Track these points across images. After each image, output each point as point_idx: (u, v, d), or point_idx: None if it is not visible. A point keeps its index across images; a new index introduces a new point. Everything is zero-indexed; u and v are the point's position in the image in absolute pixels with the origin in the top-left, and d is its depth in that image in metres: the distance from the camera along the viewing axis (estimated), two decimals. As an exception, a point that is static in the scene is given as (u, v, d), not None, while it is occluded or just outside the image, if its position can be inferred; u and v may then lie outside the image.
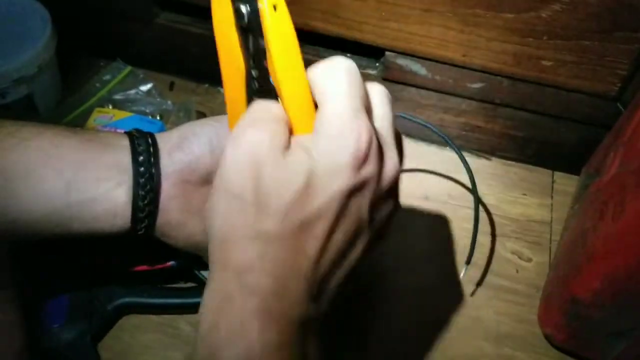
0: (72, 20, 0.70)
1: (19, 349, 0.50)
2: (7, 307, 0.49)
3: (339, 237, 0.37)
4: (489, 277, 0.62)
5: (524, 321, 0.59)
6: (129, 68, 0.75)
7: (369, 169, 0.36)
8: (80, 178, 0.44)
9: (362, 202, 0.37)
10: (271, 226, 0.35)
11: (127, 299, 0.57)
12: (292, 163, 0.36)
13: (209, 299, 0.37)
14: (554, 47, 0.59)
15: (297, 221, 0.35)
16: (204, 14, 0.71)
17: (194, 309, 0.58)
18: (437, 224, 0.66)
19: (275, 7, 0.39)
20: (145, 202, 0.45)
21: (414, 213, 0.67)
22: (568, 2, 0.55)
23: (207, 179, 0.47)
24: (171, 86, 0.76)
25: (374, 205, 0.38)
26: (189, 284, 0.59)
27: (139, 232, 0.47)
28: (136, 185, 0.45)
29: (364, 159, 0.36)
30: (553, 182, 0.70)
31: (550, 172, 0.71)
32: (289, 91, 0.39)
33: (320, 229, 0.36)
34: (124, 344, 0.56)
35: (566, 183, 0.70)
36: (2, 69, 0.62)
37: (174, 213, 0.47)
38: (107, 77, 0.74)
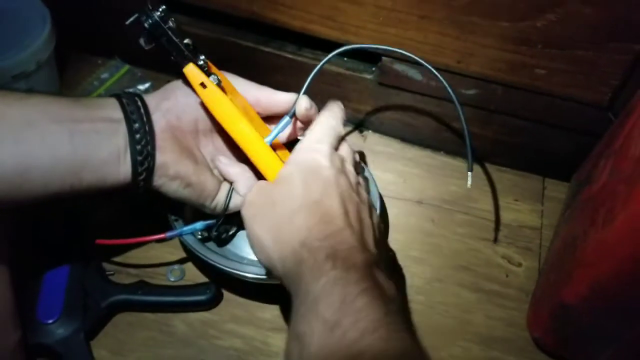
0: (71, 18, 0.70)
1: (12, 345, 0.50)
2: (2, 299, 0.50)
3: (349, 206, 0.47)
4: (479, 281, 0.63)
5: (514, 325, 0.60)
6: (126, 66, 0.75)
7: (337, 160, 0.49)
8: (80, 128, 0.48)
9: (344, 180, 0.49)
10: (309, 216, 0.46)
11: (121, 297, 0.57)
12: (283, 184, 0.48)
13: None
14: (548, 56, 0.60)
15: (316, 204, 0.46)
16: (203, 14, 0.72)
17: (188, 307, 0.58)
18: (430, 228, 0.67)
19: (203, 85, 0.49)
20: (142, 143, 0.50)
21: (408, 216, 0.68)
22: (563, 12, 0.56)
23: (195, 126, 0.54)
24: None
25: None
26: (183, 283, 0.60)
27: (140, 178, 0.50)
28: (131, 131, 0.49)
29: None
30: (544, 188, 0.71)
31: (541, 178, 0.72)
32: (247, 151, 0.50)
33: (333, 195, 0.47)
34: (118, 341, 0.56)
35: (557, 190, 0.71)
36: (1, 65, 0.62)
37: (168, 154, 0.51)
38: (105, 75, 0.74)
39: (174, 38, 0.49)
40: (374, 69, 0.69)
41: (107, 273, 0.59)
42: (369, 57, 0.68)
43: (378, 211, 0.55)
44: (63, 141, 0.47)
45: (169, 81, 0.75)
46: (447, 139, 0.72)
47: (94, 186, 0.49)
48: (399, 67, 0.66)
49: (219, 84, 0.51)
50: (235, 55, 0.72)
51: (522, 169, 0.73)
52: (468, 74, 0.64)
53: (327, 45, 0.67)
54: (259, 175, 0.52)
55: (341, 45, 0.66)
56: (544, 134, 0.68)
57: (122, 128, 0.50)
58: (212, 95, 0.50)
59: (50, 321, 0.54)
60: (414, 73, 0.66)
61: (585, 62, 0.59)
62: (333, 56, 0.56)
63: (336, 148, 0.51)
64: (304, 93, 0.54)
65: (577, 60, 0.59)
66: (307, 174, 0.48)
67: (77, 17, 0.72)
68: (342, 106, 0.54)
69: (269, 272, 0.50)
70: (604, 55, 0.58)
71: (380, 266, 0.45)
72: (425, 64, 0.55)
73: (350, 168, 0.51)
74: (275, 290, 0.57)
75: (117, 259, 0.61)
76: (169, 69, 0.76)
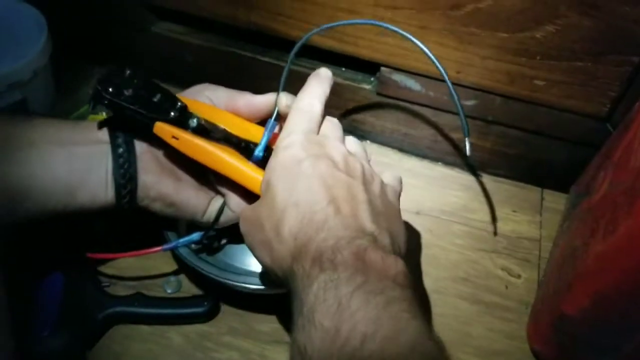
0: (68, 26, 0.70)
1: (5, 357, 0.49)
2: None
3: (335, 190, 0.45)
4: (478, 293, 0.63)
5: (514, 338, 0.60)
6: (123, 76, 0.75)
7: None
8: (77, 151, 0.50)
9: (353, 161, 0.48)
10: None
11: (117, 309, 0.56)
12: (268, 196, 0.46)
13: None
14: (547, 67, 0.60)
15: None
16: (200, 24, 0.72)
17: (185, 319, 0.58)
18: (429, 239, 0.67)
19: (176, 137, 0.50)
20: (125, 167, 0.51)
21: (406, 227, 0.67)
22: (562, 24, 0.56)
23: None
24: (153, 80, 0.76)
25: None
26: (180, 294, 0.59)
27: (124, 200, 0.51)
28: (115, 154, 0.51)
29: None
30: (542, 199, 0.71)
31: (539, 189, 0.72)
32: (237, 181, 0.51)
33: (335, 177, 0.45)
34: (114, 354, 0.55)
35: (555, 201, 0.71)
36: (-3, 73, 0.62)
37: (148, 175, 0.52)
38: (101, 84, 0.73)
39: (133, 107, 0.50)
40: (372, 79, 0.69)
41: (103, 284, 0.58)
42: (367, 67, 0.68)
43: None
44: (61, 163, 0.49)
45: (165, 90, 0.76)
46: (445, 150, 0.72)
47: (86, 207, 0.51)
48: (397, 77, 0.66)
49: (198, 125, 0.52)
50: (233, 65, 0.72)
51: (520, 180, 0.72)
52: (467, 85, 0.64)
53: (325, 55, 0.67)
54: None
55: (340, 55, 0.67)
56: (542, 145, 0.68)
57: (109, 150, 0.51)
58: (186, 144, 0.51)
59: (45, 334, 0.53)
60: (412, 83, 0.66)
61: (584, 73, 0.59)
62: (301, 44, 0.55)
63: (317, 130, 0.50)
64: (282, 89, 0.54)
65: (576, 72, 0.59)
66: (283, 176, 0.46)
67: (73, 25, 0.72)
68: (324, 75, 0.53)
69: (272, 283, 0.50)
70: (602, 66, 0.58)
71: (378, 243, 0.43)
72: (426, 51, 0.53)
73: (333, 144, 0.48)
74: (272, 300, 0.57)
75: (113, 270, 0.60)
76: (163, 77, 0.76)
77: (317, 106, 0.51)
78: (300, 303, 0.40)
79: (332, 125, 0.51)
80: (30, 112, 0.67)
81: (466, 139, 0.53)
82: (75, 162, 0.50)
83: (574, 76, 0.60)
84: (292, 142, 0.47)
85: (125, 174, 0.51)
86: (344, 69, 0.70)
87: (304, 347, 0.38)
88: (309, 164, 0.45)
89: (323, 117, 0.51)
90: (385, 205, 0.47)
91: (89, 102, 0.51)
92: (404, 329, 0.37)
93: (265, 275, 0.56)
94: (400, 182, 0.53)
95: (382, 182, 0.49)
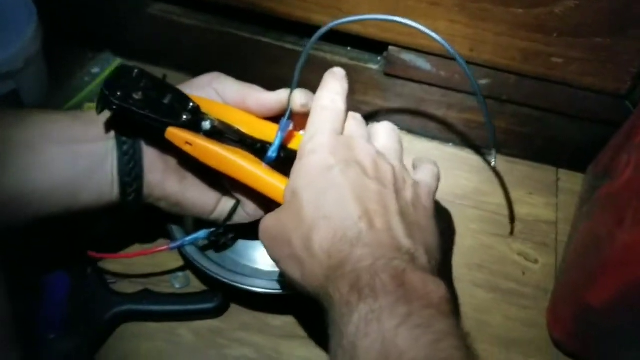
0: (59, 11, 0.67)
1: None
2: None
3: (367, 203, 0.42)
4: (495, 280, 0.61)
5: (533, 325, 0.58)
6: (118, 60, 0.72)
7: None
8: (79, 150, 0.47)
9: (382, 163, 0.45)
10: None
11: (124, 307, 0.54)
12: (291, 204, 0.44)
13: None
14: (565, 44, 0.57)
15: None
16: (197, 6, 0.68)
17: (195, 315, 0.56)
18: (442, 224, 0.64)
19: (189, 143, 0.47)
20: (131, 165, 0.48)
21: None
22: (582, -2, 0.53)
23: None
24: (163, 79, 0.73)
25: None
26: (189, 290, 0.57)
27: (130, 198, 0.49)
28: (120, 154, 0.48)
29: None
30: (557, 179, 0.69)
31: (554, 169, 0.70)
32: (255, 188, 0.48)
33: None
34: (123, 354, 0.54)
35: (571, 181, 0.69)
36: (-13, 64, 0.59)
37: (153, 174, 0.49)
38: (96, 70, 0.71)
39: (143, 113, 0.47)
40: (379, 58, 0.66)
41: (109, 282, 0.56)
42: (374, 47, 0.65)
43: None
44: (63, 165, 0.46)
45: (164, 75, 0.73)
46: (456, 131, 0.69)
47: (90, 207, 0.48)
48: (406, 56, 0.63)
49: (212, 128, 0.49)
50: (232, 47, 0.69)
51: (534, 160, 0.70)
52: (480, 63, 0.61)
53: (329, 34, 0.64)
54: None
55: (345, 35, 0.64)
56: (558, 123, 0.65)
57: (114, 150, 0.49)
58: (201, 150, 0.48)
59: (52, 336, 0.51)
60: (422, 63, 0.63)
61: (604, 49, 0.56)
62: (321, 35, 0.50)
63: (341, 129, 0.47)
64: (296, 86, 0.50)
65: (595, 48, 0.57)
66: (310, 184, 0.43)
67: (65, 9, 0.69)
68: (339, 74, 0.49)
69: (284, 284, 0.47)
70: (623, 42, 0.55)
71: (416, 262, 0.40)
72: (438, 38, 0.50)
73: (362, 146, 0.45)
74: (284, 300, 0.55)
75: (119, 267, 0.58)
76: (162, 63, 0.74)
77: (340, 103, 0.48)
78: (339, 333, 0.37)
79: (357, 122, 0.48)
80: (24, 105, 0.64)
81: (493, 150, 0.53)
82: (78, 162, 0.47)
83: (593, 53, 0.57)
84: (318, 145, 0.44)
85: (131, 172, 0.48)
86: (349, 48, 0.67)
87: None
88: (338, 172, 0.43)
89: (346, 114, 0.48)
90: (418, 212, 0.44)
91: (96, 106, 0.48)
92: None
93: (276, 275, 0.54)
94: (438, 178, 0.50)
95: (414, 184, 0.46)
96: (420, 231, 0.43)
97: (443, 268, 0.61)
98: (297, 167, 0.45)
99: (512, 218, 0.65)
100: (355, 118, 0.48)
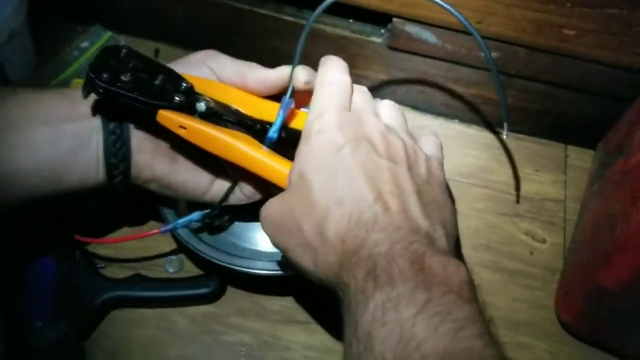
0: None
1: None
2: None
3: (381, 183, 0.40)
4: (501, 260, 0.59)
5: (540, 307, 0.56)
6: (108, 34, 0.69)
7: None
8: (65, 130, 0.45)
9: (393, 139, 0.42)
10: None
11: (115, 293, 0.52)
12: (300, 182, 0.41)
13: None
14: (578, 15, 0.54)
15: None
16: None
17: (190, 301, 0.54)
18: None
19: (183, 127, 0.45)
20: (117, 146, 0.46)
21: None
22: (597, -34, 0.50)
23: None
24: (156, 53, 0.70)
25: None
26: (183, 274, 0.55)
27: (117, 180, 0.47)
28: (106, 134, 0.46)
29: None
30: (566, 156, 0.67)
31: (563, 146, 0.67)
32: (254, 171, 0.45)
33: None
34: (114, 341, 0.52)
35: (580, 157, 0.66)
36: (-32, 37, 0.56)
37: (142, 155, 0.47)
38: (85, 44, 0.68)
39: (133, 95, 0.44)
40: (383, 31, 0.63)
41: (98, 266, 0.54)
42: (377, 19, 0.62)
43: None
44: (48, 145, 0.44)
45: (156, 49, 0.70)
46: (462, 107, 0.66)
47: (75, 188, 0.46)
48: (411, 28, 0.60)
49: (207, 109, 0.46)
50: (229, 19, 0.65)
51: (543, 137, 0.67)
52: (488, 36, 0.58)
53: (330, 7, 0.61)
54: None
55: (347, 6, 0.60)
56: (567, 98, 0.63)
57: (100, 129, 0.46)
58: (196, 134, 0.45)
59: (39, 324, 0.49)
60: (428, 35, 0.60)
61: (619, 21, 0.54)
62: (324, 9, 0.47)
63: (349, 104, 0.44)
64: (298, 62, 0.47)
65: (610, 19, 0.54)
66: (320, 167, 0.40)
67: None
68: (336, 57, 0.47)
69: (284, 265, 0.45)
70: (638, 14, 0.53)
71: (435, 244, 0.38)
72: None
73: (370, 121, 0.42)
74: (284, 281, 0.53)
75: (109, 250, 0.55)
76: (154, 36, 0.70)
77: (346, 77, 0.45)
78: (354, 322, 0.35)
79: (363, 96, 0.45)
80: (9, 80, 0.61)
81: (505, 124, 0.50)
82: (63, 142, 0.45)
83: (608, 24, 0.54)
84: (326, 124, 0.42)
85: (118, 153, 0.46)
86: (351, 20, 0.64)
87: None
88: (348, 152, 0.40)
89: (352, 88, 0.45)
90: (432, 187, 0.42)
91: (82, 90, 0.45)
92: None
93: (276, 256, 0.51)
94: (442, 148, 0.48)
95: (426, 158, 0.43)
96: (437, 209, 0.41)
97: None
98: (304, 149, 0.42)
99: (518, 196, 0.63)
100: (362, 91, 0.46)
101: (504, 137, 0.50)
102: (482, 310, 0.35)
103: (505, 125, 0.50)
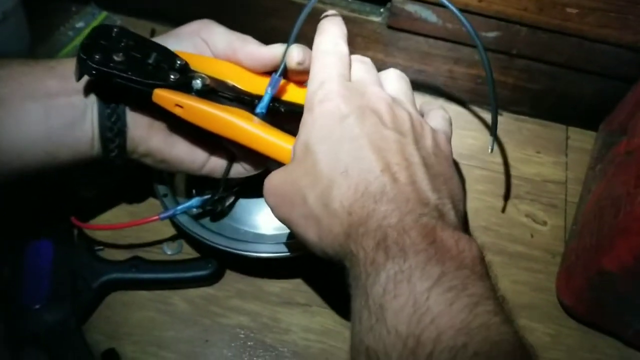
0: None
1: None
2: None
3: (388, 154, 0.39)
4: (502, 243, 0.58)
5: (541, 289, 0.56)
6: (104, 14, 0.68)
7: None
8: (55, 104, 0.44)
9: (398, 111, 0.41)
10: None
11: (113, 275, 0.52)
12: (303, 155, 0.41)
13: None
14: (582, -7, 0.53)
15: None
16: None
17: (188, 283, 0.53)
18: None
19: (180, 105, 0.44)
20: (113, 120, 0.45)
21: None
22: (602, -59, 0.49)
23: None
24: (152, 34, 0.69)
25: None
26: (182, 256, 0.54)
27: (112, 154, 0.46)
28: (102, 108, 0.45)
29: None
30: (567, 138, 0.66)
31: (564, 127, 0.67)
32: (253, 147, 0.44)
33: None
34: (113, 323, 0.51)
35: (581, 139, 0.66)
36: (-40, 17, 0.55)
37: (137, 130, 0.46)
38: (80, 24, 0.67)
39: (126, 75, 0.43)
40: (382, 10, 0.62)
41: (96, 249, 0.54)
42: (376, -2, 0.61)
43: None
44: (38, 121, 0.43)
45: (152, 29, 0.69)
46: (462, 87, 0.66)
47: (68, 162, 0.45)
48: (411, 7, 0.59)
49: (203, 86, 0.45)
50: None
51: (544, 118, 0.67)
52: (490, 15, 0.57)
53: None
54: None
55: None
56: (569, 78, 0.62)
57: (95, 102, 0.45)
58: (193, 112, 0.44)
59: (37, 307, 0.49)
60: (428, 14, 0.59)
61: (623, -1, 0.53)
62: None
63: (349, 75, 0.43)
64: (294, 41, 0.45)
65: (614, -3, 0.53)
66: (324, 137, 0.40)
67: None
68: (336, 17, 0.46)
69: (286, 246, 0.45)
70: (643, -9, 0.52)
71: (445, 218, 0.37)
72: None
73: (375, 91, 0.42)
74: (285, 263, 0.52)
75: (107, 233, 0.55)
76: (150, 16, 0.69)
77: (343, 46, 0.44)
78: (364, 294, 0.34)
79: (366, 66, 0.44)
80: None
81: (491, 138, 0.49)
82: (55, 117, 0.43)
83: (612, 2, 0.53)
84: (328, 93, 0.41)
85: (113, 127, 0.45)
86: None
87: (375, 355, 0.32)
88: (354, 121, 0.39)
89: (350, 59, 0.44)
90: (439, 160, 0.41)
91: (75, 72, 0.43)
92: (496, 343, 0.31)
93: (282, 238, 0.51)
94: (450, 123, 0.47)
95: (432, 131, 0.42)
96: (445, 183, 0.40)
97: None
98: (308, 119, 0.41)
99: (519, 178, 0.62)
100: (364, 62, 0.45)
101: (489, 151, 0.50)
102: (495, 288, 0.35)
103: (490, 140, 0.50)
